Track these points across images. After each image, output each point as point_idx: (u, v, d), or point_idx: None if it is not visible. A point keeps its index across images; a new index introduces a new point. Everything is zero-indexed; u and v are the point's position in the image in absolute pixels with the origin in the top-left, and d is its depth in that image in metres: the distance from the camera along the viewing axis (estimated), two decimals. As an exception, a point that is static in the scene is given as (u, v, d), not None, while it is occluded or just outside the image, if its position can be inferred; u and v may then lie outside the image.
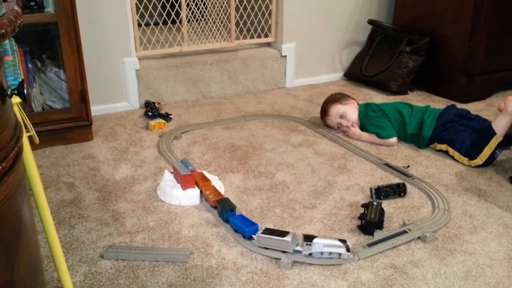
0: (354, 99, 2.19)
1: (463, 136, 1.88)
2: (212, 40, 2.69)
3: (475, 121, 1.96)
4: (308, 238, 1.29)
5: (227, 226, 1.43)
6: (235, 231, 1.40)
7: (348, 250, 1.28)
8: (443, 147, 1.93)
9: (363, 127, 2.11)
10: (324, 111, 2.18)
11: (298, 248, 1.30)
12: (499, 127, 1.80)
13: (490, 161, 1.81)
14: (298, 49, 2.78)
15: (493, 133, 1.79)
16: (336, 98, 2.18)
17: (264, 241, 1.31)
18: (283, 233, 1.31)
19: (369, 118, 2.08)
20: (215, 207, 1.51)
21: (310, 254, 1.28)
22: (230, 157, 1.91)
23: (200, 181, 1.60)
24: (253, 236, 1.35)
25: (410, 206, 1.56)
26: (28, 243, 0.72)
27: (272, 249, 1.31)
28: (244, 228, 1.35)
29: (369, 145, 2.03)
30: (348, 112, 2.13)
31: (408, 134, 2.01)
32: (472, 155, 1.82)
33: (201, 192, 1.58)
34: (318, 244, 1.27)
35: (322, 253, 1.28)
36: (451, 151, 1.89)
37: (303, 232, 1.41)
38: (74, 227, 1.44)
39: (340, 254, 1.28)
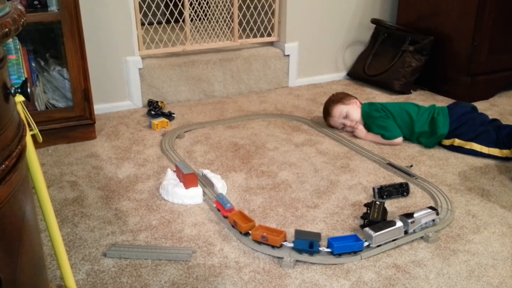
0: (356, 98, 2.19)
1: (486, 129, 1.90)
2: (215, 39, 2.69)
3: (481, 114, 2.01)
4: (409, 216, 1.37)
5: (226, 222, 1.43)
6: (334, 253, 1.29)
7: (437, 214, 1.41)
8: (466, 144, 1.91)
9: (367, 127, 2.10)
10: (327, 112, 2.17)
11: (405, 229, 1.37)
12: None
13: None
14: (301, 48, 2.78)
15: None
16: (339, 98, 2.17)
17: (380, 238, 1.32)
18: (390, 223, 1.35)
19: (373, 118, 2.07)
20: (279, 247, 1.31)
21: (414, 230, 1.37)
22: (232, 156, 1.91)
23: (242, 222, 1.38)
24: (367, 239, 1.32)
25: (413, 205, 1.56)
26: (31, 241, 0.72)
27: (385, 243, 1.33)
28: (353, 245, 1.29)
29: (372, 145, 2.03)
30: (351, 112, 2.12)
31: (416, 133, 2.00)
32: (507, 145, 1.85)
33: (244, 234, 1.37)
34: (419, 218, 1.37)
35: (421, 225, 1.38)
36: (478, 146, 1.89)
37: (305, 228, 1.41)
38: (77, 225, 1.45)
39: (433, 220, 1.40)
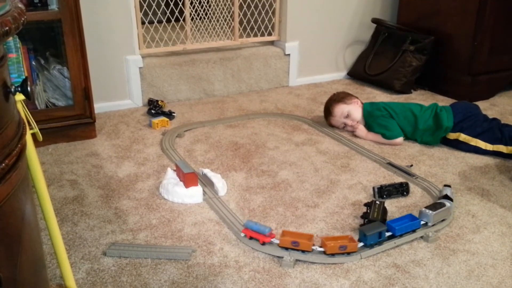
0: (357, 97, 2.19)
1: (490, 126, 1.92)
2: (216, 38, 2.69)
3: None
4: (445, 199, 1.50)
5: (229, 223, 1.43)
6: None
7: (451, 200, 1.49)
8: (472, 140, 1.92)
9: (368, 126, 2.10)
10: (328, 111, 2.17)
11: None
12: None
13: None
14: (302, 48, 2.78)
15: None
16: (340, 97, 2.17)
17: (436, 217, 1.41)
18: (440, 204, 1.44)
19: (375, 117, 2.07)
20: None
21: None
22: (233, 155, 1.91)
23: (304, 239, 1.31)
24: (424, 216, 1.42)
25: (413, 205, 1.56)
26: (31, 240, 0.72)
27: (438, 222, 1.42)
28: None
29: (372, 144, 2.03)
30: (352, 111, 2.11)
31: (420, 130, 1.99)
32: (508, 142, 1.86)
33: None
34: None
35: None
36: (483, 144, 1.90)
37: (306, 231, 1.41)
38: (77, 224, 1.45)
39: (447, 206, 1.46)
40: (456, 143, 1.95)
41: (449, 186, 1.60)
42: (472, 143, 1.91)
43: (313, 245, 1.29)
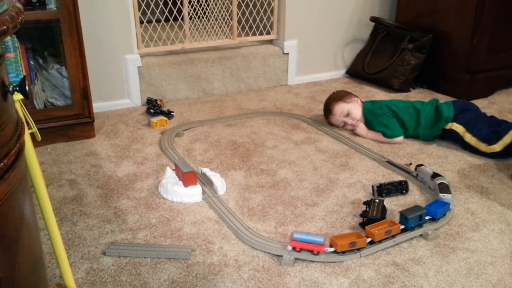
0: (357, 96, 2.19)
1: (481, 122, 1.91)
2: (214, 37, 2.69)
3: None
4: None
5: (229, 223, 1.43)
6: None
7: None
8: (460, 129, 1.92)
9: (368, 124, 2.10)
10: (328, 110, 2.17)
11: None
12: None
13: (508, 151, 1.83)
14: (300, 46, 2.78)
15: None
16: (340, 96, 2.17)
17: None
18: (444, 187, 1.57)
19: (376, 116, 2.07)
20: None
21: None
22: (232, 154, 1.91)
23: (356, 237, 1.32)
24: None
25: (412, 203, 1.56)
26: (30, 240, 0.72)
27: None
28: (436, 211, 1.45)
29: (371, 143, 2.03)
30: (352, 110, 2.11)
31: (422, 125, 2.00)
32: (490, 141, 1.85)
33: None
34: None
35: None
36: (468, 136, 1.90)
37: (306, 229, 1.41)
38: (76, 224, 1.45)
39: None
40: (452, 134, 1.96)
41: (422, 165, 1.71)
42: (462, 135, 1.92)
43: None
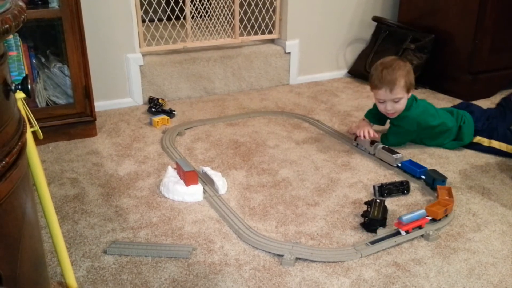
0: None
1: (499, 125, 1.93)
2: (216, 36, 2.69)
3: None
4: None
5: (229, 221, 1.43)
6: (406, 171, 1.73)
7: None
8: (486, 141, 1.92)
9: (396, 119, 1.92)
10: (392, 82, 1.80)
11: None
12: None
13: None
14: (302, 46, 2.78)
15: None
16: (412, 79, 1.85)
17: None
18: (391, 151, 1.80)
19: (429, 128, 1.90)
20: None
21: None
22: (233, 153, 1.91)
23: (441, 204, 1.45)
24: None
25: (414, 204, 1.56)
26: (32, 238, 0.72)
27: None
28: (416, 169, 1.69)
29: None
30: (403, 101, 1.85)
31: (446, 144, 1.96)
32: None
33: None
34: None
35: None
36: (497, 143, 1.90)
37: (306, 229, 1.41)
38: (77, 222, 1.45)
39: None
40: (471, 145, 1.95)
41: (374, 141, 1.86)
42: (489, 145, 1.91)
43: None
